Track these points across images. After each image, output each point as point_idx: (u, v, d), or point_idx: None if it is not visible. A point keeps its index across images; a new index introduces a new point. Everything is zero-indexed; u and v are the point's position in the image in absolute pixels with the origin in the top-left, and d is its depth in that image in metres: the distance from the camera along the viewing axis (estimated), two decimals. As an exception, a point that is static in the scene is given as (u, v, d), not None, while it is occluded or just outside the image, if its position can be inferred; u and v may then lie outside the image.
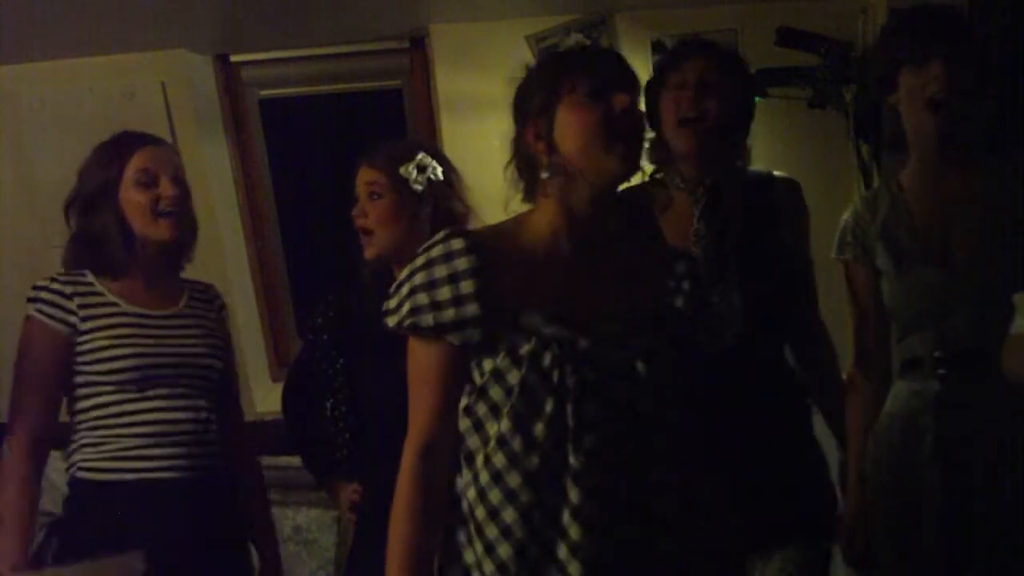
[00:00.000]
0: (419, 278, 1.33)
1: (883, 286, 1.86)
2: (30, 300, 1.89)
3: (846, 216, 1.92)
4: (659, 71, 1.92)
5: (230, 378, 2.09)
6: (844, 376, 2.03)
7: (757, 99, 2.76)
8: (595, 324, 1.33)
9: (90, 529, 1.86)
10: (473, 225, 1.99)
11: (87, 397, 1.89)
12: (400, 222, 1.97)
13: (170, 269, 2.01)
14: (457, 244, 1.33)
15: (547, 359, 1.28)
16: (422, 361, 1.37)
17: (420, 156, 2.00)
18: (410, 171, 1.98)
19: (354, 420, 2.08)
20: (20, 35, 2.75)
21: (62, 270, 1.94)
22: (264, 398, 3.28)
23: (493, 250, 1.35)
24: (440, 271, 1.32)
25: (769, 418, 1.88)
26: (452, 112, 3.03)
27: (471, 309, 1.30)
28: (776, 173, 1.99)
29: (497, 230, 1.43)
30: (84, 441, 1.89)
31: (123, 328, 1.89)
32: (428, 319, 1.32)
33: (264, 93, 3.32)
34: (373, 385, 1.99)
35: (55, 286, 1.88)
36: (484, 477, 1.31)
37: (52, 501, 3.04)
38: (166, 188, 1.89)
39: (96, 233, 1.91)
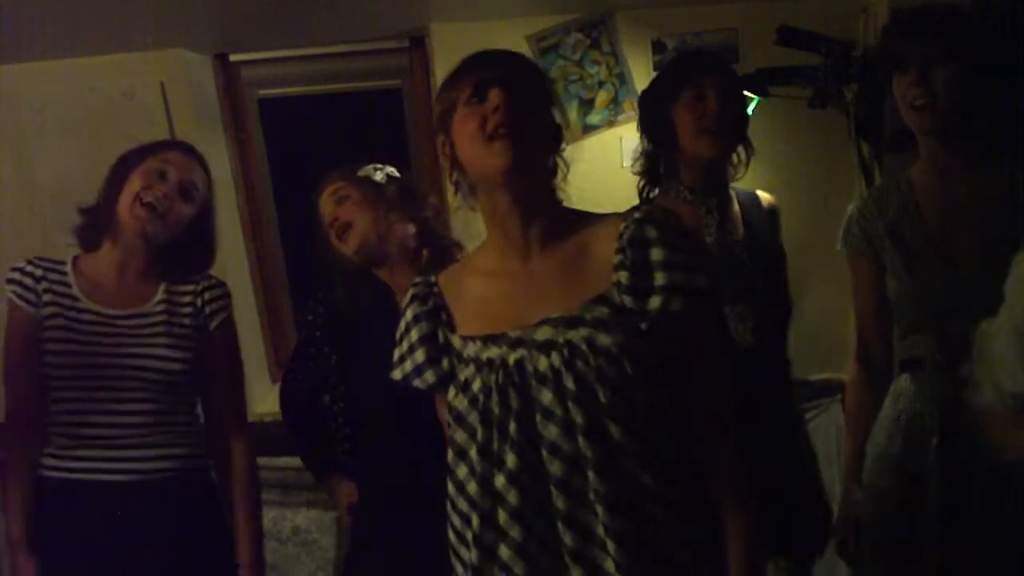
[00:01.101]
0: (397, 333, 1.41)
1: (888, 282, 1.85)
2: (8, 281, 1.89)
3: (851, 208, 1.91)
4: (671, 83, 1.90)
5: (215, 379, 2.00)
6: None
7: (758, 99, 2.79)
8: (531, 334, 1.29)
9: (50, 527, 1.84)
10: (453, 218, 2.09)
11: (49, 389, 1.87)
12: (372, 209, 2.02)
13: (149, 271, 1.96)
14: (409, 293, 1.41)
15: (476, 385, 1.29)
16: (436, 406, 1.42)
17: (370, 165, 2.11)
18: (367, 170, 2.09)
19: (352, 417, 2.07)
20: (20, 35, 2.74)
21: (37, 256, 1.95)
22: (264, 398, 3.27)
23: (448, 289, 1.40)
24: (402, 324, 1.40)
25: (774, 424, 1.89)
26: (452, 111, 3.01)
27: (419, 355, 1.37)
28: (760, 193, 2.02)
29: (459, 266, 1.46)
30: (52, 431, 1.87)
31: (74, 323, 1.87)
32: (397, 373, 1.40)
33: (263, 92, 3.32)
34: (365, 382, 1.99)
35: (28, 268, 1.90)
36: (450, 507, 1.33)
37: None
38: (163, 187, 1.89)
39: (103, 200, 1.94)
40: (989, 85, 1.72)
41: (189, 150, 2.00)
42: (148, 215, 1.87)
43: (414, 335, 1.38)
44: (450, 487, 1.32)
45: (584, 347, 1.25)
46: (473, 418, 1.28)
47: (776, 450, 1.84)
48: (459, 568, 1.33)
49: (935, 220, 1.79)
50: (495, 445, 1.26)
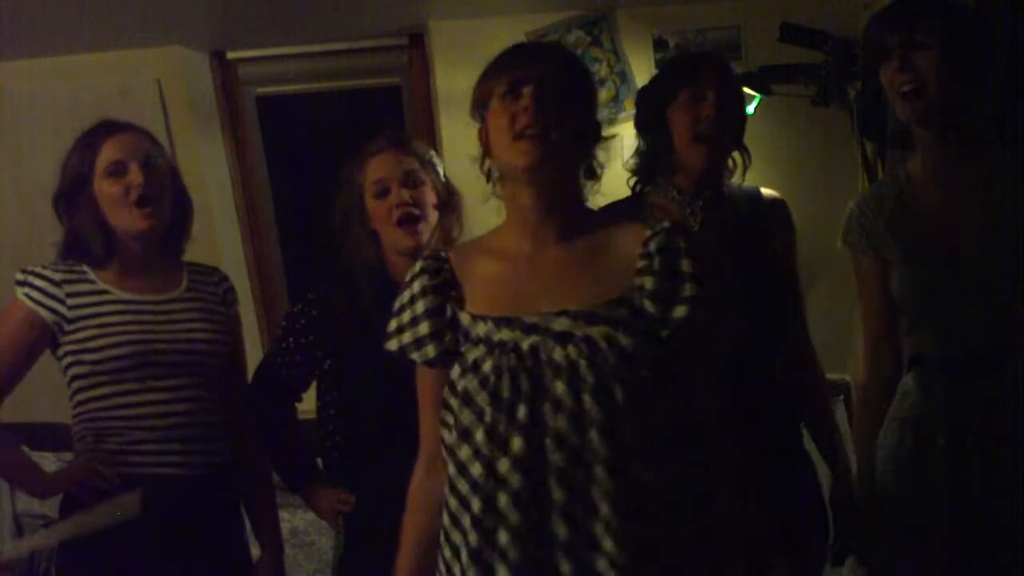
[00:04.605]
0: (396, 304, 1.42)
1: (892, 277, 1.82)
2: (18, 283, 1.84)
3: (851, 205, 1.89)
4: (670, 83, 1.86)
5: (235, 366, 2.02)
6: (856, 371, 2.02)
7: (760, 96, 2.77)
8: (547, 322, 1.29)
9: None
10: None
11: (84, 389, 1.84)
12: (434, 201, 1.94)
13: (166, 253, 1.95)
14: (417, 267, 1.42)
15: (487, 366, 1.29)
16: (418, 381, 1.44)
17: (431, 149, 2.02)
18: (432, 154, 2.00)
19: (345, 424, 1.98)
20: (15, 31, 2.72)
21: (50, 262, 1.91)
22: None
23: (459, 266, 1.40)
24: (404, 296, 1.41)
25: (767, 431, 1.86)
26: (451, 110, 3.00)
27: (422, 328, 1.37)
28: (764, 190, 1.97)
29: (471, 244, 1.48)
30: (85, 434, 1.85)
31: (114, 316, 1.84)
32: (393, 343, 1.40)
33: (261, 90, 3.30)
34: (367, 386, 1.91)
35: (46, 272, 1.85)
36: (448, 488, 1.34)
37: (45, 504, 3.01)
38: (135, 176, 1.83)
39: (76, 228, 1.87)
40: (978, 68, 1.69)
41: (116, 128, 1.91)
42: (147, 209, 1.84)
43: (420, 307, 1.37)
44: (451, 468, 1.31)
45: (603, 344, 1.26)
46: (482, 399, 1.28)
47: (770, 458, 1.81)
48: (446, 551, 1.32)
49: (934, 213, 1.76)
50: (502, 428, 1.26)
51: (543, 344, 1.28)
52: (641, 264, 1.33)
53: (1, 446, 1.89)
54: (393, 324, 1.41)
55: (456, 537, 1.31)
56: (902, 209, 1.79)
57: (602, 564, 1.22)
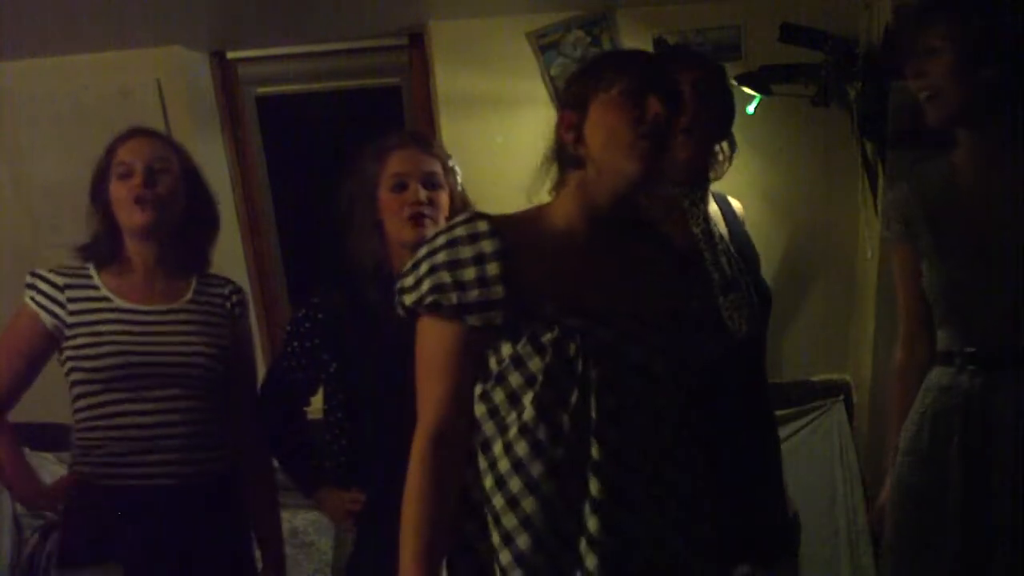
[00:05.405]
0: (442, 256, 1.32)
1: (923, 269, 1.82)
2: (26, 286, 1.90)
3: (891, 193, 1.90)
4: None
5: (237, 378, 2.03)
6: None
7: (760, 96, 2.77)
8: (612, 319, 1.33)
9: (86, 533, 1.84)
10: None
11: (81, 397, 1.87)
12: (446, 216, 1.93)
13: (177, 264, 1.98)
14: (483, 226, 1.34)
15: (571, 348, 1.28)
16: (435, 344, 1.35)
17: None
18: (452, 161, 1.99)
19: (352, 425, 1.98)
20: (15, 32, 2.72)
21: (59, 266, 1.96)
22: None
23: (515, 236, 1.35)
24: (465, 251, 1.32)
25: (764, 422, 1.87)
26: (451, 110, 3.00)
27: (497, 291, 1.30)
28: (729, 197, 2.04)
29: (515, 219, 1.42)
30: (79, 442, 1.87)
31: (108, 324, 1.87)
32: (451, 298, 1.30)
33: (261, 90, 3.29)
34: (376, 387, 1.91)
35: (51, 276, 1.91)
36: (504, 466, 1.30)
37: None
38: (136, 178, 1.89)
39: (95, 227, 1.95)
40: (996, 70, 1.69)
41: (137, 133, 1.98)
42: (142, 208, 1.89)
43: (494, 269, 1.30)
44: (523, 446, 1.29)
45: (669, 347, 1.36)
46: (567, 381, 1.28)
47: (749, 444, 1.83)
48: (499, 534, 1.31)
49: (970, 208, 1.77)
50: (593, 413, 1.28)
51: (617, 336, 1.32)
52: (684, 288, 1.45)
53: (4, 446, 1.90)
54: (447, 277, 1.31)
55: (510, 521, 1.29)
56: (943, 200, 1.80)
57: (675, 549, 1.33)
